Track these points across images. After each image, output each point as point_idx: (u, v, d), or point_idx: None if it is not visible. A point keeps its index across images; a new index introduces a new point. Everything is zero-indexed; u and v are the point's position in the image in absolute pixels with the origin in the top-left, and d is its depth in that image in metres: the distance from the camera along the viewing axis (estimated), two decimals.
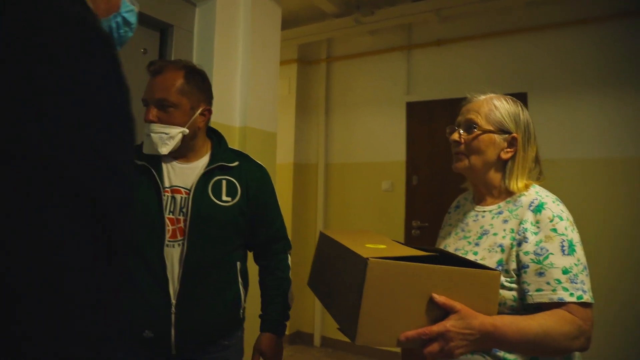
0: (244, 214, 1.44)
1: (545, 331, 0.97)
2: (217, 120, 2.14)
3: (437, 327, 0.89)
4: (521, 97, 3.33)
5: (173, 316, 1.33)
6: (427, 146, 3.81)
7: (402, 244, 1.10)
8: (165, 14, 2.04)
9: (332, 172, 4.29)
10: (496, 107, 1.22)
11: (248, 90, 2.25)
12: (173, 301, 1.33)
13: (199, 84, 1.43)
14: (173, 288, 1.34)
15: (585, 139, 3.16)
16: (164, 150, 1.34)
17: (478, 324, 0.91)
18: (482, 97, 1.27)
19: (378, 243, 1.04)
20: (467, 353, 0.93)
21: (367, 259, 0.84)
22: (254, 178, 1.49)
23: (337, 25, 3.75)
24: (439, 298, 0.89)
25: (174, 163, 1.43)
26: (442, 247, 1.34)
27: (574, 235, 1.09)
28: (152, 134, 1.34)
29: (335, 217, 4.24)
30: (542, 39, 3.34)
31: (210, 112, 1.48)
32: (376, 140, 4.05)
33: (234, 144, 2.24)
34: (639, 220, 2.96)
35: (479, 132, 1.21)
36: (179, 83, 1.36)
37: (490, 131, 1.21)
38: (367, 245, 0.99)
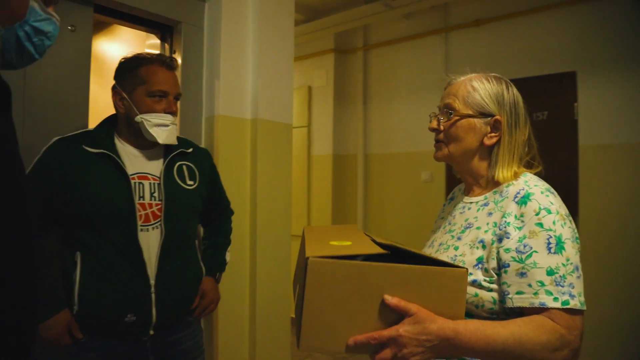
0: (202, 196, 1.59)
1: (518, 340, 0.85)
2: (227, 113, 2.14)
3: (388, 332, 0.81)
4: (569, 77, 3.11)
5: (153, 296, 1.41)
6: None
7: (379, 243, 0.98)
8: (173, 11, 2.07)
9: (371, 162, 4.19)
10: (474, 88, 1.11)
11: (259, 82, 2.23)
12: (152, 282, 1.42)
13: None
14: (151, 269, 1.42)
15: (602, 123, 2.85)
16: (175, 140, 1.50)
17: (436, 328, 0.81)
18: (461, 78, 1.16)
19: (346, 239, 0.96)
20: None
21: (308, 258, 0.78)
22: (207, 162, 1.68)
23: (368, 10, 3.63)
24: (391, 300, 0.80)
25: (132, 149, 1.49)
26: (431, 240, 1.25)
27: (564, 231, 0.94)
28: (172, 125, 1.48)
29: (374, 209, 4.14)
30: (591, 12, 3.02)
31: None
32: (415, 128, 3.90)
33: (245, 136, 2.23)
34: None
35: (456, 117, 1.10)
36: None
37: (469, 115, 1.09)
38: (331, 243, 0.92)
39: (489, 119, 1.09)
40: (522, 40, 3.30)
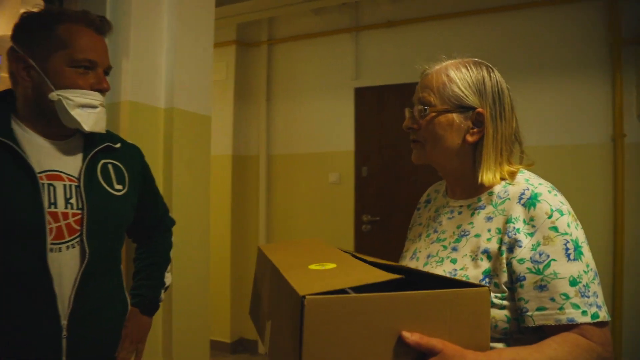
0: (133, 203, 1.25)
1: None
2: (136, 99, 1.76)
3: None
4: None
5: (65, 342, 1.02)
6: (378, 135, 3.57)
7: (359, 257, 0.82)
8: None
9: (275, 164, 3.96)
10: (451, 78, 0.96)
11: (176, 65, 1.88)
12: (64, 322, 1.03)
13: None
14: (63, 305, 1.03)
15: (541, 126, 3.03)
16: (104, 128, 1.15)
17: None
18: (436, 67, 1.01)
19: (326, 261, 0.78)
20: None
21: (303, 297, 0.58)
22: (137, 161, 1.33)
23: (279, 1, 3.42)
24: (411, 337, 0.63)
25: (38, 139, 1.09)
26: (412, 251, 1.08)
27: (579, 234, 0.85)
28: (102, 108, 1.11)
29: (278, 214, 3.92)
30: (500, 21, 3.18)
31: None
32: (322, 129, 3.77)
33: (158, 127, 1.87)
34: (595, 207, 2.87)
35: (432, 113, 0.95)
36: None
37: (446, 110, 0.95)
38: (311, 267, 0.73)
39: (470, 112, 0.95)
40: (432, 44, 3.35)
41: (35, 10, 1.08)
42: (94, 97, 1.08)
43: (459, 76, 0.97)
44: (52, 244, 1.02)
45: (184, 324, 1.87)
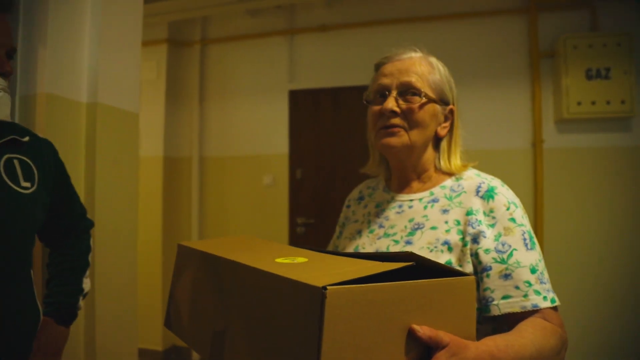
0: (44, 203, 1.14)
1: (539, 349, 0.77)
2: (54, 92, 1.64)
3: None
4: None
5: None
6: (312, 137, 3.59)
7: (316, 250, 0.78)
8: None
9: (208, 166, 3.86)
10: (434, 68, 1.00)
11: (100, 56, 1.77)
12: None
13: None
14: None
15: (474, 131, 3.14)
16: (8, 116, 1.05)
17: (473, 357, 0.66)
18: (414, 54, 1.02)
19: (288, 255, 0.72)
20: None
21: (323, 288, 0.52)
22: (49, 157, 1.20)
23: (212, 1, 3.35)
24: (423, 331, 0.61)
25: None
26: (353, 248, 1.05)
27: (529, 225, 0.91)
28: (4, 93, 1.02)
29: (211, 217, 3.82)
30: (430, 30, 3.31)
31: None
32: (256, 131, 3.73)
33: (79, 123, 1.75)
34: None
35: (424, 100, 0.95)
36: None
37: (434, 101, 0.97)
38: (279, 261, 0.67)
39: (446, 107, 1.00)
40: (365, 49, 3.41)
41: None
42: None
43: (440, 69, 1.00)
44: None
45: (109, 332, 1.76)
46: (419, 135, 0.97)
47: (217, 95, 3.86)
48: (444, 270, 0.69)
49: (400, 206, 1.02)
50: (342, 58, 3.47)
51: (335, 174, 3.46)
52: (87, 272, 1.33)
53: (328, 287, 0.52)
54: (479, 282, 0.86)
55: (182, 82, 3.90)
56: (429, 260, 0.68)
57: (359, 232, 1.07)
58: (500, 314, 0.83)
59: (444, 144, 1.02)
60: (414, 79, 0.96)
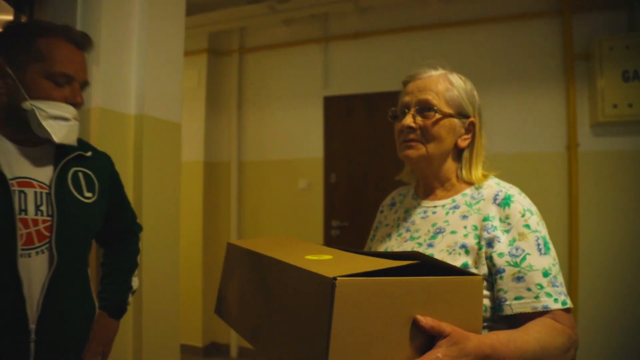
0: (102, 211, 1.29)
1: (543, 346, 0.82)
2: (106, 106, 1.80)
3: (428, 358, 0.69)
4: None
5: (33, 346, 1.05)
6: (346, 142, 3.67)
7: (342, 249, 0.87)
8: None
9: (246, 170, 4.01)
10: (453, 85, 1.06)
11: (146, 72, 1.92)
12: (32, 326, 1.05)
13: None
14: (32, 310, 1.05)
15: (497, 136, 3.18)
16: (75, 141, 1.18)
17: (473, 347, 0.72)
18: (435, 72, 1.09)
19: (317, 253, 0.81)
20: None
21: (334, 278, 0.61)
22: (107, 169, 1.36)
23: (251, 12, 3.49)
24: (425, 321, 0.68)
25: (9, 145, 1.12)
26: (382, 250, 1.14)
27: (545, 231, 0.97)
28: (74, 121, 1.14)
29: (249, 220, 3.96)
30: (457, 35, 3.33)
31: None
32: (292, 136, 3.84)
33: (128, 134, 1.90)
34: (551, 214, 3.01)
35: (439, 116, 1.03)
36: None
37: (450, 115, 1.04)
38: (309, 258, 0.76)
39: (465, 120, 1.06)
40: (397, 55, 3.48)
41: (19, 22, 1.11)
42: (67, 110, 1.11)
43: (459, 85, 1.07)
44: (22, 249, 1.04)
45: (154, 327, 1.90)
46: (436, 148, 1.04)
47: (255, 102, 4.00)
48: (455, 271, 0.76)
49: (425, 212, 1.10)
50: (375, 64, 3.54)
51: (367, 178, 3.53)
52: (136, 272, 1.48)
53: (338, 278, 0.61)
54: (493, 283, 0.92)
55: (221, 89, 4.07)
56: (444, 262, 0.76)
57: (389, 235, 1.15)
58: (512, 313, 0.89)
59: (466, 154, 1.08)
60: (430, 97, 1.04)
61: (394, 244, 1.11)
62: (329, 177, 3.72)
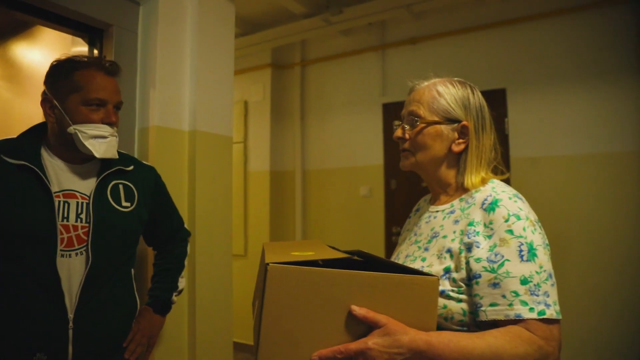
0: (141, 219, 1.43)
1: (494, 352, 0.80)
2: (163, 124, 2.00)
3: (356, 345, 0.74)
4: (500, 94, 3.25)
5: (71, 332, 1.23)
6: None
7: (343, 252, 0.93)
8: (104, 13, 1.90)
9: (310, 179, 4.14)
10: (440, 93, 1.06)
11: (197, 92, 2.10)
12: (70, 315, 1.23)
13: None
14: (70, 302, 1.24)
15: (569, 135, 3.02)
16: (116, 154, 1.34)
17: (408, 340, 0.75)
18: (425, 83, 1.12)
19: (309, 251, 0.89)
20: None
21: (267, 264, 0.71)
22: (150, 181, 1.51)
23: (307, 25, 3.62)
24: (359, 310, 0.74)
25: (60, 164, 1.32)
26: (397, 253, 1.18)
27: (535, 237, 0.91)
28: (112, 137, 1.31)
29: (313, 226, 4.08)
30: (519, 32, 3.21)
31: None
32: (353, 144, 3.92)
33: (182, 148, 2.09)
34: (627, 216, 2.81)
35: (422, 124, 1.05)
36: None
37: (435, 122, 1.05)
38: (293, 253, 0.84)
39: (456, 124, 1.05)
40: (454, 58, 3.43)
41: (61, 59, 1.32)
42: (104, 130, 1.29)
43: (447, 92, 1.07)
44: (63, 250, 1.23)
45: (208, 326, 2.06)
46: (424, 156, 1.07)
47: (316, 112, 4.13)
48: (416, 272, 0.80)
49: (429, 217, 1.12)
50: (433, 68, 3.47)
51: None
52: (183, 273, 1.64)
53: (270, 264, 0.70)
54: (470, 287, 0.91)
55: (285, 101, 4.25)
56: (406, 267, 0.81)
57: (405, 240, 1.19)
58: (487, 319, 0.87)
59: (462, 159, 1.07)
60: (415, 107, 1.07)
61: (404, 247, 1.15)
62: (389, 183, 3.73)
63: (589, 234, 2.90)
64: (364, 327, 0.75)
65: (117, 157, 1.36)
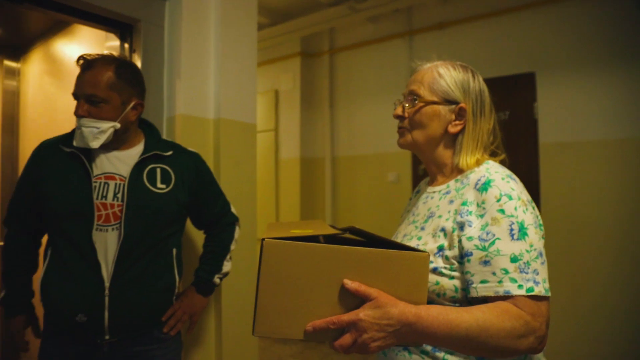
0: (178, 201, 1.51)
1: (482, 326, 0.82)
2: (190, 112, 2.11)
3: (348, 316, 0.78)
4: (529, 78, 3.20)
5: (107, 298, 1.36)
6: None
7: (339, 229, 0.98)
8: (133, 9, 2.03)
9: (339, 165, 4.21)
10: (440, 74, 1.09)
11: (221, 81, 2.20)
12: (107, 284, 1.37)
13: (130, 78, 1.47)
14: (107, 271, 1.38)
15: (599, 120, 2.94)
16: (95, 144, 1.39)
17: (397, 312, 0.78)
18: (427, 65, 1.14)
19: (309, 229, 0.94)
20: (387, 347, 0.81)
21: (263, 239, 0.76)
22: (188, 165, 1.58)
23: (334, 14, 3.66)
24: (351, 284, 0.77)
25: (105, 150, 1.46)
26: (395, 234, 1.23)
27: (527, 217, 0.92)
28: (83, 128, 1.39)
29: (343, 211, 4.15)
30: (548, 14, 3.13)
31: (142, 106, 1.52)
32: (381, 130, 3.94)
33: (208, 136, 2.20)
34: None
35: (421, 104, 1.08)
36: (108, 78, 1.41)
37: (433, 102, 1.08)
38: (292, 231, 0.90)
39: (454, 106, 1.08)
40: (483, 42, 3.38)
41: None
42: (77, 121, 1.39)
43: (448, 74, 1.10)
44: (100, 225, 1.37)
45: (233, 314, 2.16)
46: (420, 135, 1.10)
47: (345, 99, 4.18)
48: (408, 248, 0.83)
49: (426, 197, 1.15)
50: (461, 53, 3.48)
51: None
52: (228, 257, 1.69)
53: (266, 239, 0.75)
54: (462, 265, 0.95)
55: (314, 89, 4.32)
56: (398, 243, 0.85)
57: (404, 220, 1.23)
58: (477, 296, 0.90)
59: (459, 140, 1.10)
60: (415, 87, 1.10)
61: (403, 227, 1.18)
62: (417, 169, 3.74)
63: (618, 220, 2.83)
64: (357, 300, 0.79)
65: (94, 147, 1.39)
